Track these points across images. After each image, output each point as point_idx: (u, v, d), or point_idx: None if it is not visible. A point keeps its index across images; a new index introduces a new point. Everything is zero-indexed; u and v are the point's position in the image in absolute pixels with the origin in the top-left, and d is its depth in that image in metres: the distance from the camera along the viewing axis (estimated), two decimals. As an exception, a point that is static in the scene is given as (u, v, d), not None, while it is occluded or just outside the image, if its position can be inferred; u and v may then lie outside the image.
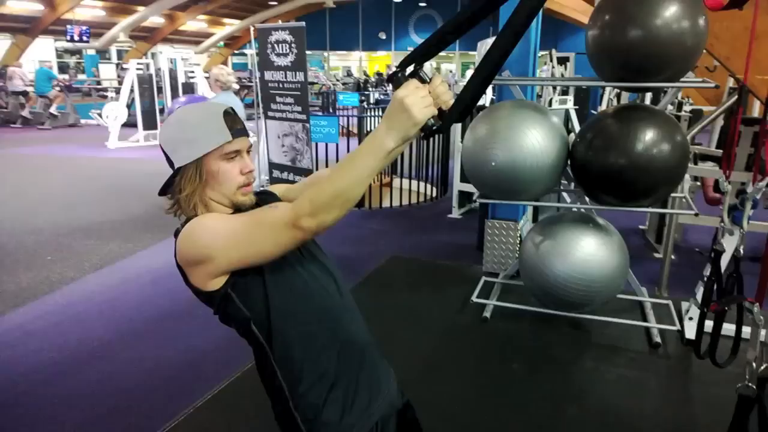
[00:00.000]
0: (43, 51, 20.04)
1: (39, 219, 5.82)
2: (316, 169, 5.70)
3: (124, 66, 13.94)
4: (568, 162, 3.08)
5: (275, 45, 5.35)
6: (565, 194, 3.86)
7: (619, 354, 3.11)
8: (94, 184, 7.58)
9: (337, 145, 5.92)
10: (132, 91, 11.00)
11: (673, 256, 4.19)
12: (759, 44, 2.26)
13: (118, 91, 12.29)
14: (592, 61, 2.89)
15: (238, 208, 1.18)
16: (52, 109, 13.72)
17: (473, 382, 2.86)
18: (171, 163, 1.16)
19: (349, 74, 21.56)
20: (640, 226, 5.48)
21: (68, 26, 18.07)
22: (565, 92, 7.49)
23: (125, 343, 3.30)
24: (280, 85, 5.49)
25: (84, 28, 18.55)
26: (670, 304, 3.52)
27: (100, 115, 11.38)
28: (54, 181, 7.78)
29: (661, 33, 2.56)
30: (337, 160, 6.04)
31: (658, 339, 3.16)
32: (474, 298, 3.61)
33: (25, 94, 14.18)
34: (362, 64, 26.17)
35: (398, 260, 4.56)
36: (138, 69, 11.09)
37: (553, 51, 6.70)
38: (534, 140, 2.91)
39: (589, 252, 3.01)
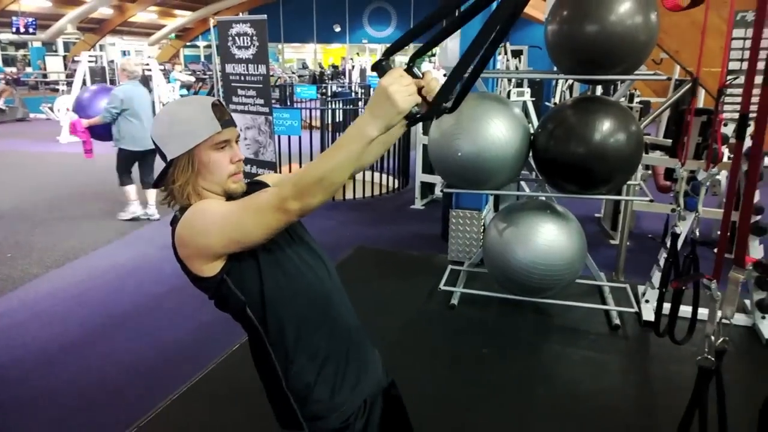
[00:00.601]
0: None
1: (-10, 217, 5.61)
2: (279, 162, 5.68)
3: (75, 58, 13.44)
4: (530, 152, 3.18)
5: (236, 38, 5.29)
6: (524, 183, 3.98)
7: (581, 336, 3.25)
8: (48, 179, 7.32)
9: (299, 137, 5.90)
10: (84, 83, 10.62)
11: (628, 243, 4.38)
12: (707, 38, 2.40)
13: (69, 84, 11.82)
14: (551, 55, 2.99)
15: (230, 196, 1.22)
16: (0, 104, 13.13)
17: (444, 368, 2.94)
18: (164, 156, 1.20)
19: (304, 66, 21.35)
20: (596, 214, 5.69)
21: (13, 18, 17.26)
22: (520, 84, 7.67)
23: (95, 339, 3.24)
24: (242, 78, 5.43)
25: (30, 19, 17.76)
26: (628, 287, 3.69)
27: (51, 108, 10.96)
28: (6, 178, 7.47)
29: (616, 28, 2.68)
30: (300, 153, 6.07)
31: (617, 321, 3.32)
32: (441, 286, 3.70)
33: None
34: (317, 57, 25.95)
35: (364, 251, 4.61)
36: (90, 61, 10.71)
37: (507, 44, 6.84)
38: (497, 131, 3.00)
39: (549, 238, 3.12)
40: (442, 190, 3.75)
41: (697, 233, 2.18)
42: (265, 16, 5.04)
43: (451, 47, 3.98)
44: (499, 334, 3.27)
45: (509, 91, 5.04)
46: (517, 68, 8.39)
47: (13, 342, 3.20)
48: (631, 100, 5.35)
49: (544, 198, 3.46)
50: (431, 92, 1.05)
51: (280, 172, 5.82)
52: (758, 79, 1.39)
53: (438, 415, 2.51)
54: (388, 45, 1.20)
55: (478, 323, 3.40)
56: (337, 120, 7.42)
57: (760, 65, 1.54)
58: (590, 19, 2.74)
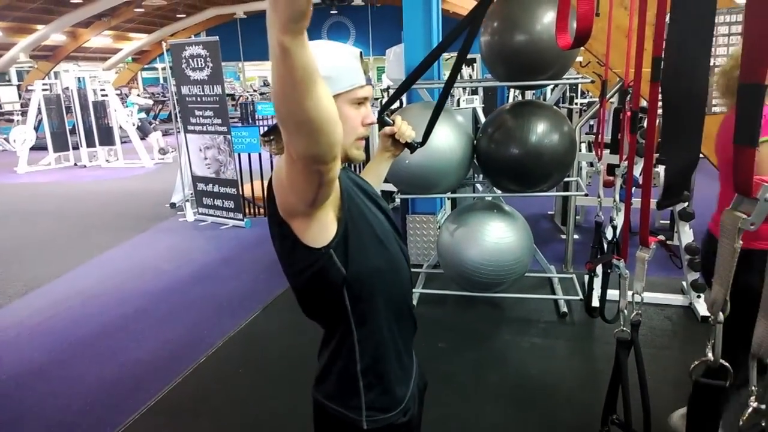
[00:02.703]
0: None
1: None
2: (241, 180, 5.78)
3: (29, 87, 13.26)
4: (475, 156, 3.39)
5: (190, 60, 5.40)
6: (479, 185, 4.19)
7: (532, 325, 3.46)
8: (7, 210, 7.25)
9: (260, 154, 6.02)
10: (39, 112, 10.52)
11: (576, 236, 4.64)
12: (621, 42, 2.64)
13: (24, 113, 11.68)
14: (487, 64, 3.22)
15: (349, 163, 1.13)
16: None
17: (403, 364, 3.09)
18: None
19: (266, 84, 21.40)
20: (549, 212, 5.96)
21: (-40, 47, 16.90)
22: (474, 92, 7.94)
23: (61, 364, 3.27)
24: (198, 99, 5.54)
25: (-22, 48, 17.41)
26: (574, 277, 3.92)
27: (6, 140, 10.80)
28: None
29: (542, 36, 2.92)
30: (261, 170, 6.16)
31: (564, 309, 3.54)
32: (400, 288, 3.86)
33: None
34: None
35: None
36: (44, 90, 10.63)
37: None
38: (442, 138, 3.19)
39: (497, 236, 3.32)
40: (393, 196, 3.91)
41: (618, 221, 2.41)
42: (217, 38, 5.18)
43: (397, 60, 4.19)
44: (455, 329, 3.45)
45: (458, 99, 5.28)
46: (470, 76, 8.71)
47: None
48: (571, 101, 5.65)
49: (491, 198, 3.67)
50: (403, 135, 1.36)
51: (242, 191, 5.93)
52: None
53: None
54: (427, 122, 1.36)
55: (436, 320, 3.57)
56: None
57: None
58: (518, 29, 2.97)
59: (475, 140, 3.38)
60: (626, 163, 3.04)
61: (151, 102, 12.90)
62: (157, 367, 3.16)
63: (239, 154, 5.71)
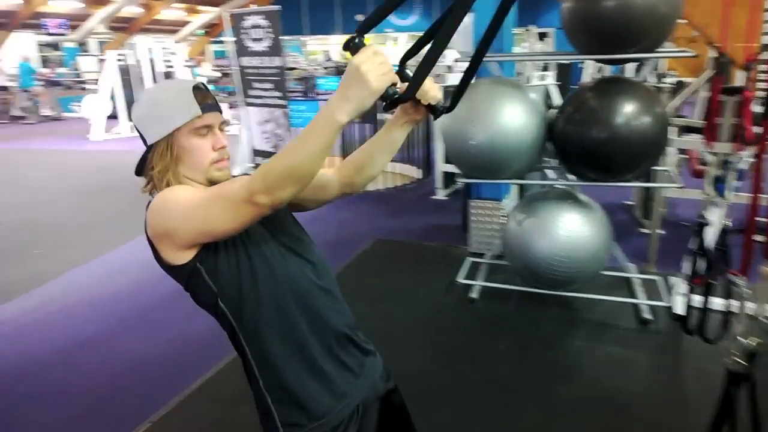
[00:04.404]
0: (25, 46, 19.61)
1: (25, 213, 5.75)
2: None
3: (101, 58, 13.70)
4: (549, 138, 3.02)
5: (250, 30, 5.24)
6: (550, 171, 3.81)
7: (607, 331, 3.09)
8: (77, 177, 7.46)
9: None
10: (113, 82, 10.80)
11: (661, 231, 4.17)
12: (735, 12, 2.20)
13: (98, 82, 12.06)
14: (568, 34, 2.82)
15: (213, 185, 1.15)
16: (44, 111, 13.48)
17: (460, 363, 2.83)
18: (145, 141, 1.14)
19: (328, 59, 21.28)
20: (627, 202, 5.45)
21: (44, 20, 17.72)
22: (545, 68, 7.39)
23: (112, 335, 3.25)
24: (258, 71, 5.39)
25: (61, 20, 18.21)
26: (659, 279, 3.49)
27: (80, 107, 11.21)
28: (37, 176, 7.66)
29: (634, 2, 2.49)
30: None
31: (647, 315, 3.14)
32: (460, 279, 3.58)
33: (5, 89, 13.91)
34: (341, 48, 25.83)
35: (383, 243, 4.51)
36: (118, 60, 10.89)
37: (533, 27, 6.61)
38: (512, 117, 2.85)
39: (570, 229, 2.96)
40: (455, 181, 3.60)
41: (729, 222, 2.01)
42: (279, 6, 4.96)
43: (465, 32, 3.82)
44: (518, 330, 3.13)
45: (528, 76, 4.85)
46: (543, 51, 8.15)
47: (32, 337, 3.24)
48: (660, 80, 5.08)
49: (566, 186, 3.29)
50: (426, 95, 1.10)
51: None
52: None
53: (449, 413, 2.41)
54: (413, 34, 1.16)
55: (498, 318, 3.27)
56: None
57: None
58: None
59: (549, 121, 3.01)
60: (728, 151, 2.59)
61: (218, 74, 13.03)
62: (204, 346, 3.05)
63: (298, 129, 5.54)
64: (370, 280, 3.86)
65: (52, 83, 14.72)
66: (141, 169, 1.17)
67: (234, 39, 5.46)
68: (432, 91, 1.09)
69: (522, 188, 4.68)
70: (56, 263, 4.34)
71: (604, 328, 3.11)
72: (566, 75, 7.72)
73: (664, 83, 5.04)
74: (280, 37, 5.12)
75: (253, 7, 5.43)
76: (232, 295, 1.11)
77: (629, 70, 5.02)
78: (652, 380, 2.66)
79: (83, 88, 14.72)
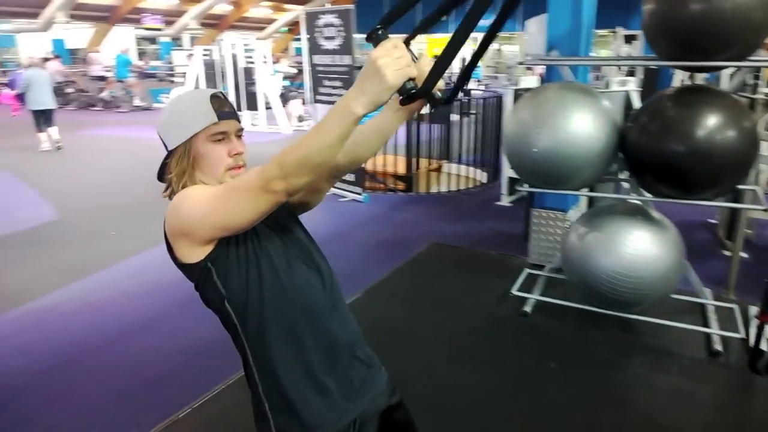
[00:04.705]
0: (124, 39, 21.02)
1: (107, 196, 6.12)
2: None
3: (191, 52, 14.42)
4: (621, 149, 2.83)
5: (323, 29, 5.29)
6: (625, 184, 3.58)
7: (671, 360, 2.85)
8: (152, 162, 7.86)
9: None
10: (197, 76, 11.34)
11: (744, 254, 3.82)
12: None
13: (185, 75, 12.70)
14: (649, 38, 2.62)
15: None
16: (136, 101, 14.40)
17: (505, 378, 2.70)
18: (166, 148, 1.19)
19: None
20: (711, 220, 5.04)
21: (143, 14, 18.89)
22: (631, 73, 7.00)
23: (168, 318, 3.38)
24: (328, 69, 5.44)
25: (157, 16, 19.33)
26: (736, 308, 3.19)
27: (168, 99, 11.83)
28: (123, 161, 8.14)
29: (725, 5, 2.27)
30: (385, 145, 5.99)
31: (718, 346, 2.87)
32: (514, 291, 3.43)
33: (103, 78, 14.95)
34: (420, 47, 25.71)
35: (439, 247, 4.42)
36: (204, 55, 11.41)
37: (620, 29, 6.27)
38: (579, 125, 2.68)
39: (638, 247, 2.76)
40: (517, 189, 3.46)
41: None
42: (352, 6, 4.98)
43: (538, 33, 3.66)
44: (572, 349, 2.95)
45: (607, 81, 4.60)
46: (629, 55, 7.72)
47: (97, 316, 3.41)
48: (754, 91, 4.66)
49: (639, 201, 3.06)
50: (421, 78, 1.02)
51: (365, 165, 5.78)
52: None
53: (488, 430, 2.30)
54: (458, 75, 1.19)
55: (551, 334, 3.10)
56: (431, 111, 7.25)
57: None
58: (694, -5, 2.34)
59: (623, 130, 2.81)
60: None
61: (295, 71, 13.35)
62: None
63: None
64: (421, 284, 3.78)
65: (145, 75, 15.65)
66: (161, 175, 1.21)
67: (307, 37, 5.54)
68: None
69: (592, 200, 4.45)
70: (127, 246, 4.57)
71: (667, 356, 2.87)
72: (653, 81, 7.28)
73: (760, 95, 4.62)
74: (356, 36, 5.15)
75: (328, 6, 5.48)
76: (238, 298, 1.13)
77: (726, 78, 4.65)
78: (715, 418, 2.42)
79: (172, 81, 15.56)
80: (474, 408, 2.46)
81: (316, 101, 5.75)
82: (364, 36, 0.97)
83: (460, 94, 7.56)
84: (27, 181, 6.87)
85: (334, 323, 1.20)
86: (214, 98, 1.16)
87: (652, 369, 2.76)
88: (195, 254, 1.11)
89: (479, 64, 1.15)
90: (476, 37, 1.11)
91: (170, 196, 1.19)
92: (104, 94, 14.41)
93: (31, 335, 3.20)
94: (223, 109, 1.15)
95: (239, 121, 1.20)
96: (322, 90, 5.64)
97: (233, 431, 2.33)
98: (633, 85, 4.37)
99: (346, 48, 5.17)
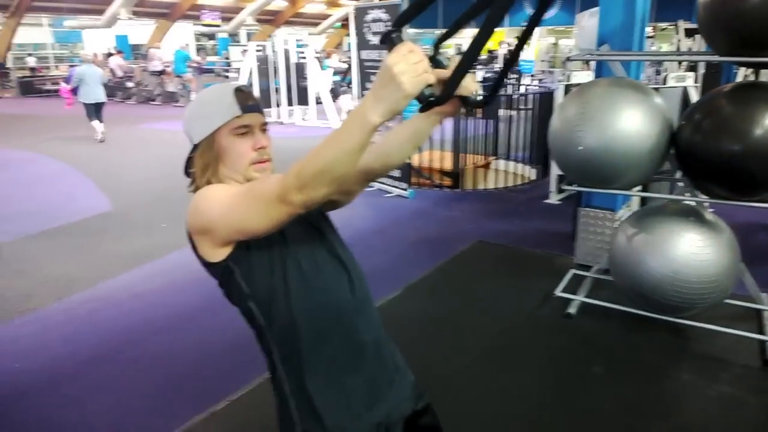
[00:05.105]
0: (183, 35, 21.75)
1: (160, 189, 6.33)
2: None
3: (245, 48, 14.76)
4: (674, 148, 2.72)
5: (371, 24, 5.31)
6: (680, 184, 3.44)
7: (723, 368, 2.73)
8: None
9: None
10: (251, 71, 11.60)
11: (808, 259, 3.60)
12: None
13: (239, 71, 13.01)
14: (704, 32, 2.52)
15: None
16: (193, 96, 14.90)
17: (544, 381, 2.66)
18: (192, 143, 1.19)
19: (459, 52, 21.04)
20: (774, 222, 4.78)
21: (202, 11, 19.46)
22: (693, 68, 6.69)
23: (212, 311, 3.45)
24: (375, 64, 5.46)
25: (215, 12, 19.88)
26: (796, 315, 3.02)
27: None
28: (178, 154, 8.39)
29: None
30: (430, 140, 5.96)
31: (774, 354, 2.73)
32: (558, 292, 3.36)
33: (162, 73, 15.53)
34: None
35: (483, 245, 4.37)
36: (257, 50, 11.66)
37: (681, 22, 6.00)
38: (628, 122, 2.60)
39: (690, 249, 2.65)
40: (561, 187, 3.38)
41: None
42: (400, 1, 4.97)
43: (589, 27, 3.55)
44: (617, 354, 2.87)
45: (665, 77, 4.42)
46: (690, 50, 7.37)
47: (143, 306, 3.56)
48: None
49: (693, 202, 2.94)
50: (464, 87, 1.03)
51: (410, 159, 5.78)
52: None
53: (526, 437, 2.27)
54: (551, 27, 1.14)
55: (595, 338, 3.02)
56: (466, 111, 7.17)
57: None
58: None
59: (676, 128, 2.71)
60: None
61: (345, 66, 13.44)
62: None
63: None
64: (463, 282, 3.76)
65: (202, 71, 16.13)
66: (187, 167, 1.21)
67: (356, 32, 5.58)
68: (467, 82, 1.03)
69: (644, 200, 4.29)
70: (177, 238, 4.70)
71: (719, 364, 2.75)
72: (716, 78, 6.93)
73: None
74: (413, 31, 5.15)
75: (377, 1, 5.49)
76: (263, 298, 1.11)
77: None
78: (769, 432, 2.31)
79: (227, 76, 15.97)
80: (509, 414, 2.43)
81: (363, 96, 5.78)
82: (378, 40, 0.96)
83: (510, 90, 7.36)
84: (84, 172, 7.19)
85: (360, 324, 1.18)
86: (238, 92, 1.14)
87: (702, 377, 2.65)
88: (217, 254, 1.10)
89: (533, 59, 1.14)
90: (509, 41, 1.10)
91: (194, 190, 1.18)
92: (173, 89, 14.95)
93: (79, 324, 3.33)
94: (247, 102, 1.14)
95: (263, 115, 1.18)
96: (369, 85, 5.66)
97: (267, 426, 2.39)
98: (691, 81, 4.20)
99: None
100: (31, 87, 18.10)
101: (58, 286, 3.84)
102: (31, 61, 21.19)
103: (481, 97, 1.08)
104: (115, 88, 16.79)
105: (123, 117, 12.90)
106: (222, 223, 1.05)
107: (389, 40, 0.86)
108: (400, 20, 0.91)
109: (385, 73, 0.83)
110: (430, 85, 0.85)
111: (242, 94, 1.14)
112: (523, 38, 1.14)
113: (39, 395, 2.67)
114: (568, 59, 3.87)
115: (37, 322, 3.37)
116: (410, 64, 0.82)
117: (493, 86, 1.12)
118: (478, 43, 0.89)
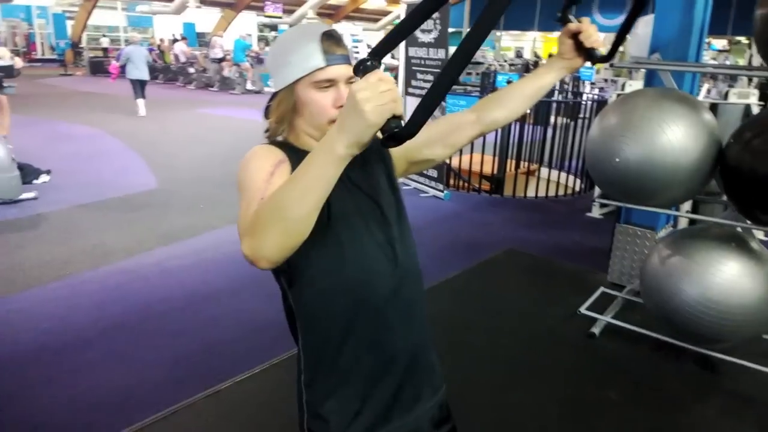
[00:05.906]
0: (247, 25, 22.28)
1: (204, 170, 6.52)
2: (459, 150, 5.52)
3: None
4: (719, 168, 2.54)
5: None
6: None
7: (754, 408, 2.54)
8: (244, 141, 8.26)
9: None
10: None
11: None
12: None
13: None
14: (759, 46, 2.32)
15: None
16: (248, 85, 15.29)
17: (557, 401, 2.54)
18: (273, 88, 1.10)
19: (519, 55, 20.64)
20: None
21: (265, 2, 19.85)
22: (764, 86, 6.33)
23: (235, 293, 3.50)
24: (422, 62, 5.40)
25: (278, 4, 20.25)
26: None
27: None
28: (225, 139, 8.63)
29: None
30: (472, 143, 5.87)
31: (815, 399, 2.52)
32: (582, 309, 3.21)
33: (222, 60, 15.94)
34: (536, 46, 24.71)
35: (513, 253, 4.25)
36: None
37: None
38: (670, 137, 2.44)
39: (728, 278, 2.47)
40: (593, 201, 3.22)
41: None
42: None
43: (643, 35, 3.37)
44: (640, 382, 2.71)
45: (726, 92, 4.16)
46: (762, 64, 6.94)
47: (170, 282, 3.64)
48: None
49: (740, 228, 2.74)
50: (589, 38, 1.13)
51: (449, 160, 5.69)
52: None
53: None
54: (615, 33, 1.26)
55: (618, 362, 2.87)
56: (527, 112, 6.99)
57: None
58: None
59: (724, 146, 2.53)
60: None
61: (396, 63, 13.44)
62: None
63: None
64: (488, 289, 3.66)
65: (261, 60, 16.46)
66: (266, 112, 1.11)
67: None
68: (596, 34, 1.13)
69: (693, 221, 4.06)
70: (211, 219, 4.83)
71: (750, 403, 2.56)
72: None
73: None
74: (450, 30, 5.06)
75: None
76: (294, 278, 1.04)
77: None
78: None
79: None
80: (518, 427, 2.33)
81: (408, 94, 5.72)
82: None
83: (560, 96, 7.12)
84: (138, 151, 7.46)
85: (397, 325, 1.07)
86: (326, 38, 1.00)
87: (727, 415, 2.48)
88: None
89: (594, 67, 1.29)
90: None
91: (270, 138, 1.10)
92: (248, 85, 15.37)
93: (108, 294, 3.44)
94: (334, 51, 1.00)
95: (351, 66, 0.98)
96: (413, 83, 5.60)
97: (267, 409, 2.38)
98: (755, 99, 3.94)
99: (441, 41, 5.09)
100: (100, 66, 18.94)
101: (94, 256, 3.99)
102: (105, 42, 22.23)
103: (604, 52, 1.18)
104: (177, 73, 17.38)
105: (184, 100, 13.34)
106: (253, 192, 0.95)
107: (362, 69, 0.80)
108: (377, 50, 0.84)
109: (349, 100, 0.77)
110: (397, 117, 0.77)
111: (330, 40, 1.01)
112: (619, 40, 1.23)
113: (55, 356, 2.76)
114: (612, 66, 3.69)
115: (69, 288, 3.50)
116: (376, 93, 0.75)
117: (614, 44, 1.22)
118: (458, 60, 0.80)
